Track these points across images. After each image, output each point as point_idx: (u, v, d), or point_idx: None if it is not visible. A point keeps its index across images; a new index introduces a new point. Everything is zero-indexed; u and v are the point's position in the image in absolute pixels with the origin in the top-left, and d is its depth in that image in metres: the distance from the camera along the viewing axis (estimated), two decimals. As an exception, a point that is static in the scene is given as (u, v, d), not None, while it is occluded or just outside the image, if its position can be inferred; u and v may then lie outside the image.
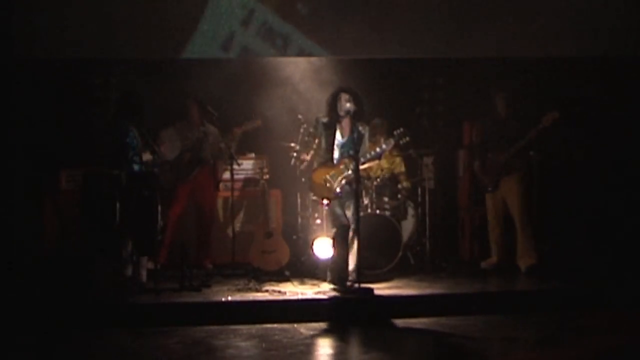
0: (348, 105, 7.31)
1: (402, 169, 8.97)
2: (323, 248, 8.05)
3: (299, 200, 8.76)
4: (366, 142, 7.49)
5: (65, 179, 8.71)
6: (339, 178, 7.34)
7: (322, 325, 6.70)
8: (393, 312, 6.96)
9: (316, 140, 7.55)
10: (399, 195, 8.73)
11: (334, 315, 6.90)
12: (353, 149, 7.27)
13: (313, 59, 9.02)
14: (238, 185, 8.81)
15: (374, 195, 8.46)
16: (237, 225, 8.61)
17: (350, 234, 7.32)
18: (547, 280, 7.84)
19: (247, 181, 9.05)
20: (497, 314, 6.96)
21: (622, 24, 8.97)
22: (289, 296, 7.21)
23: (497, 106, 8.43)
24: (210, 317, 6.76)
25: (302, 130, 8.27)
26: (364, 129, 7.44)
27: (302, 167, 8.32)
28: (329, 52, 8.92)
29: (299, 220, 8.78)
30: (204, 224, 8.60)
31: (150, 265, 7.60)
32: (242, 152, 8.87)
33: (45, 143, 8.84)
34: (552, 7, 8.99)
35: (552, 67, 9.29)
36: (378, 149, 7.41)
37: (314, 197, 8.01)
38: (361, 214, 7.42)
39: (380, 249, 8.09)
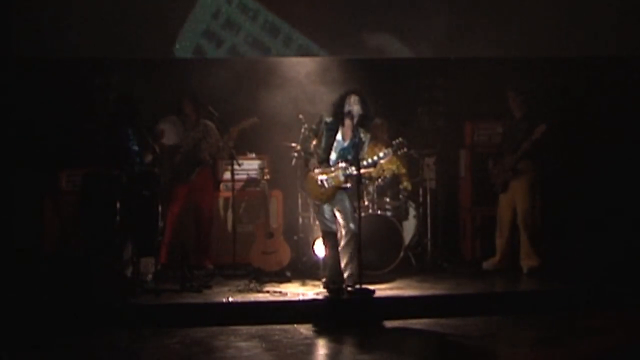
0: (355, 107, 7.25)
1: (404, 169, 8.94)
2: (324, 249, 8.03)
3: (300, 201, 8.74)
4: (365, 149, 7.40)
5: (65, 179, 8.70)
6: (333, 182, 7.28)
7: (322, 325, 6.68)
8: (394, 313, 6.93)
9: (314, 142, 7.50)
10: (400, 196, 8.71)
11: (334, 317, 6.89)
12: (353, 154, 7.23)
13: (313, 59, 9.00)
14: (239, 185, 8.79)
15: (375, 196, 8.44)
16: (238, 226, 8.58)
17: (348, 236, 7.26)
18: (549, 282, 7.83)
19: (248, 181, 9.03)
20: (498, 315, 6.95)
21: (627, 24, 8.97)
22: (290, 297, 7.19)
23: (512, 107, 8.41)
24: (211, 318, 6.74)
25: (303, 130, 8.24)
26: (365, 136, 7.36)
27: (294, 157, 8.30)
28: (329, 52, 8.89)
29: (300, 220, 8.76)
30: (202, 225, 8.58)
31: (153, 266, 7.59)
32: (243, 152, 8.84)
33: (45, 143, 8.83)
34: (552, 7, 8.97)
35: (552, 68, 9.28)
36: (375, 157, 7.33)
37: (306, 194, 7.93)
38: (362, 214, 7.40)
39: (382, 250, 8.07)
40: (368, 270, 7.51)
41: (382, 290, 7.36)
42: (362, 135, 7.31)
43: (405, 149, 7.38)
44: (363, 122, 7.32)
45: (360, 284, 7.09)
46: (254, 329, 6.54)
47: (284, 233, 8.39)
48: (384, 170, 8.68)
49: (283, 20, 8.83)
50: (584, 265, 8.40)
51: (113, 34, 8.55)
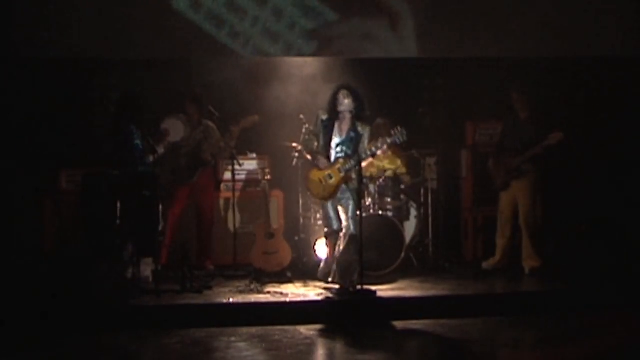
0: (347, 102, 7.25)
1: (405, 169, 8.92)
2: (325, 249, 8.00)
3: (300, 201, 8.72)
4: (365, 143, 7.36)
5: (65, 179, 8.70)
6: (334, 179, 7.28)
7: (322, 326, 6.66)
8: (395, 313, 6.91)
9: (316, 143, 7.48)
10: (402, 196, 8.68)
11: (335, 317, 6.87)
12: (351, 149, 7.23)
13: (314, 59, 8.98)
14: (239, 185, 8.77)
15: (376, 196, 8.41)
16: (239, 226, 8.56)
17: (347, 238, 7.22)
18: (551, 282, 7.81)
19: (249, 182, 9.01)
20: (500, 316, 6.93)
21: (627, 24, 8.95)
22: (290, 298, 7.16)
23: (516, 107, 8.38)
24: (212, 319, 6.72)
25: (304, 130, 8.22)
26: (363, 129, 7.34)
27: (295, 157, 8.27)
28: (329, 52, 8.87)
29: (301, 221, 8.74)
30: (204, 225, 8.56)
31: (152, 266, 7.57)
32: (244, 152, 8.82)
33: (45, 143, 8.81)
34: (553, 7, 8.95)
35: (553, 67, 9.25)
36: (373, 148, 7.32)
37: (309, 194, 7.94)
38: (363, 214, 7.37)
39: (383, 250, 8.04)
40: (369, 270, 7.49)
41: (383, 291, 7.34)
42: (359, 128, 7.30)
43: (405, 137, 7.32)
44: (359, 115, 7.31)
45: (362, 284, 7.08)
46: (254, 329, 6.53)
47: (284, 233, 8.37)
48: (385, 171, 8.66)
49: (283, 20, 8.81)
50: (586, 266, 8.37)
51: (113, 34, 8.53)
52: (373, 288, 7.17)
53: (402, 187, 8.71)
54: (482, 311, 6.98)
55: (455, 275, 8.20)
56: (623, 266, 8.13)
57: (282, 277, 7.95)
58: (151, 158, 7.64)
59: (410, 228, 8.76)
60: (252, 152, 9.04)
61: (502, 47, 9.00)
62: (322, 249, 8.12)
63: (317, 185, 7.32)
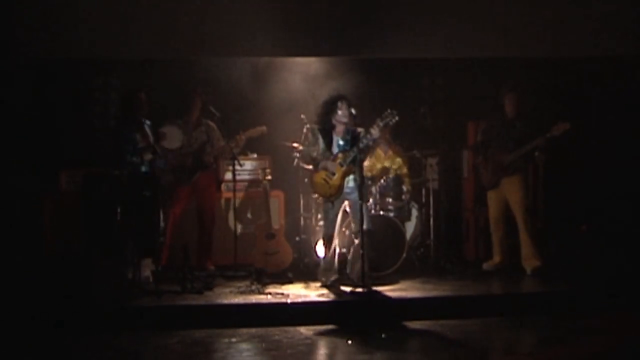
0: (346, 112, 7.36)
1: (406, 169, 8.90)
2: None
3: (301, 201, 8.71)
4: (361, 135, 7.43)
5: (65, 179, 8.68)
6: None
7: (323, 326, 6.64)
8: (396, 314, 6.89)
9: (314, 154, 7.50)
10: (403, 196, 8.65)
11: (336, 318, 6.84)
12: (351, 143, 7.32)
13: (315, 59, 8.97)
14: (240, 186, 8.75)
15: (377, 196, 8.39)
16: (240, 227, 8.54)
17: (357, 237, 7.29)
18: (552, 282, 7.79)
19: (249, 182, 8.99)
20: (501, 316, 6.92)
21: (628, 23, 8.93)
22: (291, 299, 7.14)
23: (505, 106, 8.36)
24: (212, 320, 6.70)
25: (305, 130, 8.22)
26: (359, 128, 7.42)
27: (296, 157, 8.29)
28: (329, 52, 8.86)
29: (302, 221, 8.72)
30: (205, 226, 8.54)
31: (152, 266, 7.55)
32: (244, 152, 8.80)
33: (45, 143, 8.80)
34: (554, 7, 8.94)
35: (554, 67, 9.24)
36: (369, 135, 7.32)
37: (315, 196, 7.99)
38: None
39: (385, 251, 8.02)
40: (370, 271, 7.46)
41: (384, 291, 7.32)
42: (357, 129, 7.37)
43: (395, 118, 7.32)
44: (352, 122, 7.41)
45: (363, 285, 7.06)
46: (254, 329, 6.51)
47: (285, 234, 8.35)
48: (386, 171, 8.65)
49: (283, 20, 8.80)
50: (588, 266, 8.35)
51: (113, 34, 8.52)
52: (374, 289, 7.15)
53: (404, 189, 8.66)
54: (483, 312, 6.96)
55: (457, 275, 8.18)
56: (623, 266, 8.12)
57: (283, 278, 7.93)
58: (150, 156, 7.62)
59: (411, 228, 8.74)
60: (252, 152, 9.02)
61: (502, 47, 8.98)
62: (322, 250, 8.09)
63: (323, 185, 7.38)
